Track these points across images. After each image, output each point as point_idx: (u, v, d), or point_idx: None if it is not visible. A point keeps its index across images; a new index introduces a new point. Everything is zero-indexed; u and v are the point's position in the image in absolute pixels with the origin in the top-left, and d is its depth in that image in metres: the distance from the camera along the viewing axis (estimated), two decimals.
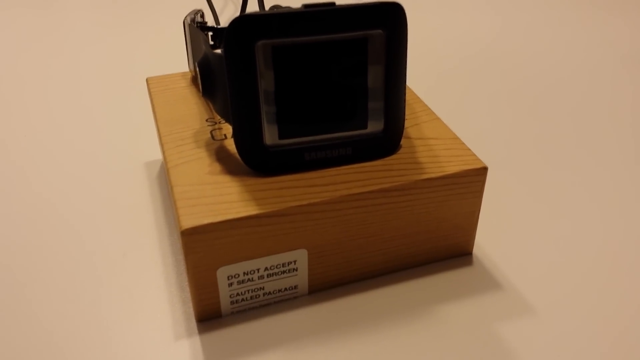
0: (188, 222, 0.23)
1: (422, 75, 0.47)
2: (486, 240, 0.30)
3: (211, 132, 0.29)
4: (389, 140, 0.27)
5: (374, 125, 0.26)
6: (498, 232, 0.31)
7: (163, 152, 0.28)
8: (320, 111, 0.25)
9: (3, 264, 0.29)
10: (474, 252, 0.30)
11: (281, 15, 0.23)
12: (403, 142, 0.28)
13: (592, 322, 0.26)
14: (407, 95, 0.32)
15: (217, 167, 0.26)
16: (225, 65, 0.24)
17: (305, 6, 0.24)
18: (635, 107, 0.43)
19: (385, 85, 0.26)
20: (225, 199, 0.25)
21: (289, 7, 0.24)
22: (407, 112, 0.30)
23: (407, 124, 0.29)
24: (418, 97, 0.32)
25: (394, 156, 0.27)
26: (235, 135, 0.25)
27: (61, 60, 0.50)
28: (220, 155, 0.27)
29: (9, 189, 0.35)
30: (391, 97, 0.26)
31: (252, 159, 0.26)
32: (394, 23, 0.25)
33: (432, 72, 0.48)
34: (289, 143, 0.26)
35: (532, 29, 0.55)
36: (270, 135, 0.25)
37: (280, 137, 0.25)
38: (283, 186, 0.25)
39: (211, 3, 0.40)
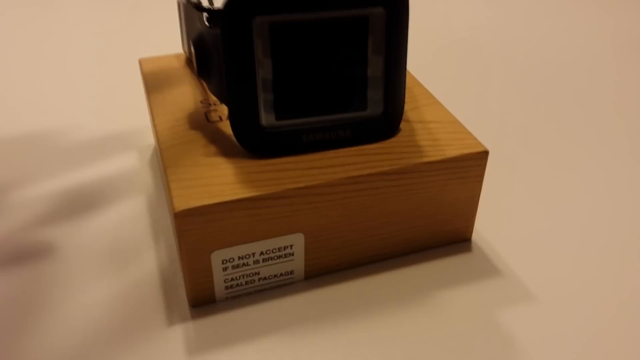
0: (182, 204, 0.23)
1: (422, 58, 0.47)
2: (485, 227, 0.30)
3: (205, 113, 0.28)
4: (388, 122, 0.26)
5: (374, 107, 0.26)
6: (497, 218, 0.30)
7: (156, 134, 0.27)
8: (319, 92, 0.25)
9: None
10: (473, 239, 0.29)
11: None
12: (403, 125, 0.27)
13: (591, 308, 0.26)
14: (407, 79, 0.31)
15: (211, 148, 0.26)
16: (221, 43, 0.23)
17: None
18: (636, 94, 0.42)
19: (386, 66, 0.25)
20: (220, 180, 0.24)
21: None
22: (407, 95, 0.30)
23: (406, 107, 0.29)
24: (418, 81, 0.31)
25: (393, 139, 0.26)
26: (231, 116, 0.24)
27: (53, 41, 0.49)
28: (215, 137, 0.26)
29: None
30: (391, 79, 0.25)
31: (248, 141, 0.25)
32: (395, 1, 0.24)
33: (432, 56, 0.47)
34: (286, 124, 0.25)
35: (535, 13, 0.54)
36: (267, 116, 0.25)
37: (277, 118, 0.25)
38: (280, 168, 0.24)
39: None
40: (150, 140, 0.37)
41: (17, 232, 0.29)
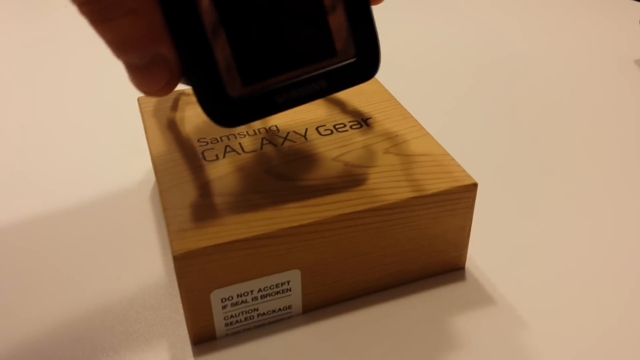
0: (180, 246, 0.23)
1: (411, 85, 0.47)
2: (479, 254, 0.30)
3: (202, 152, 0.29)
4: (363, 64, 0.24)
5: (344, 51, 0.24)
6: (490, 245, 0.31)
7: (155, 174, 0.28)
8: (281, 48, 0.23)
9: None
10: (467, 267, 0.30)
11: None
12: (393, 159, 0.28)
13: (585, 336, 0.26)
14: (397, 110, 0.32)
15: (208, 188, 0.27)
16: (164, 15, 0.21)
17: None
18: (630, 119, 0.43)
19: (346, 6, 0.23)
20: (217, 221, 0.25)
21: None
22: (397, 128, 0.31)
23: (398, 140, 0.30)
24: (408, 113, 0.32)
25: (385, 173, 0.27)
26: (196, 93, 0.23)
27: (52, 75, 0.50)
28: (212, 177, 0.27)
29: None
30: (355, 16, 0.23)
31: (219, 114, 0.23)
32: None
33: (422, 81, 0.48)
34: (255, 89, 0.23)
35: (525, 37, 0.55)
36: (232, 85, 0.23)
37: (244, 84, 0.23)
38: (275, 208, 0.25)
39: None
40: (151, 174, 0.38)
41: (19, 266, 0.30)
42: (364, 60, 0.24)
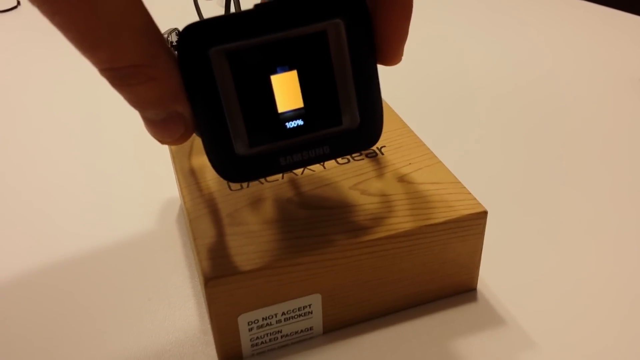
0: (210, 274, 0.25)
1: (422, 109, 0.49)
2: (490, 275, 0.32)
3: (228, 182, 0.31)
4: (366, 133, 0.25)
5: (349, 120, 0.25)
6: (501, 266, 0.33)
7: (184, 203, 0.30)
8: (290, 115, 0.24)
9: (29, 315, 0.31)
10: (479, 288, 0.31)
11: (231, 18, 0.22)
12: (407, 187, 0.30)
13: (595, 358, 0.28)
14: (410, 139, 0.34)
15: (234, 218, 0.28)
16: (182, 76, 0.22)
17: (257, 5, 0.22)
18: (634, 140, 0.44)
19: (354, 76, 0.24)
20: (244, 250, 0.26)
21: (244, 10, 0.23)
22: (410, 156, 0.32)
23: (411, 168, 0.31)
24: (421, 141, 0.34)
25: (399, 202, 0.29)
26: (205, 148, 0.24)
27: (79, 99, 0.53)
28: (237, 206, 0.29)
29: (29, 232, 0.37)
30: (362, 87, 0.24)
31: (225, 170, 0.25)
32: (353, 9, 0.23)
33: (432, 106, 0.50)
34: (261, 150, 0.24)
35: (530, 57, 0.56)
36: (240, 145, 0.24)
37: (251, 145, 0.24)
38: (296, 235, 0.27)
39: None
40: (176, 198, 0.40)
41: (45, 291, 0.32)
42: (367, 129, 0.25)
